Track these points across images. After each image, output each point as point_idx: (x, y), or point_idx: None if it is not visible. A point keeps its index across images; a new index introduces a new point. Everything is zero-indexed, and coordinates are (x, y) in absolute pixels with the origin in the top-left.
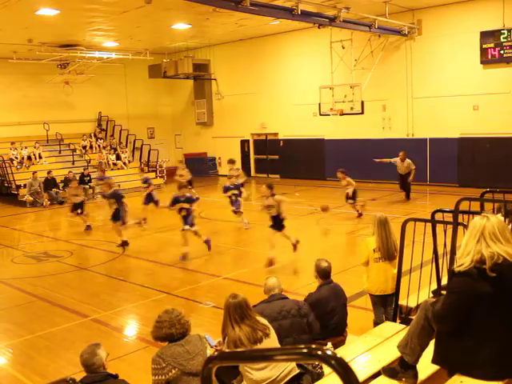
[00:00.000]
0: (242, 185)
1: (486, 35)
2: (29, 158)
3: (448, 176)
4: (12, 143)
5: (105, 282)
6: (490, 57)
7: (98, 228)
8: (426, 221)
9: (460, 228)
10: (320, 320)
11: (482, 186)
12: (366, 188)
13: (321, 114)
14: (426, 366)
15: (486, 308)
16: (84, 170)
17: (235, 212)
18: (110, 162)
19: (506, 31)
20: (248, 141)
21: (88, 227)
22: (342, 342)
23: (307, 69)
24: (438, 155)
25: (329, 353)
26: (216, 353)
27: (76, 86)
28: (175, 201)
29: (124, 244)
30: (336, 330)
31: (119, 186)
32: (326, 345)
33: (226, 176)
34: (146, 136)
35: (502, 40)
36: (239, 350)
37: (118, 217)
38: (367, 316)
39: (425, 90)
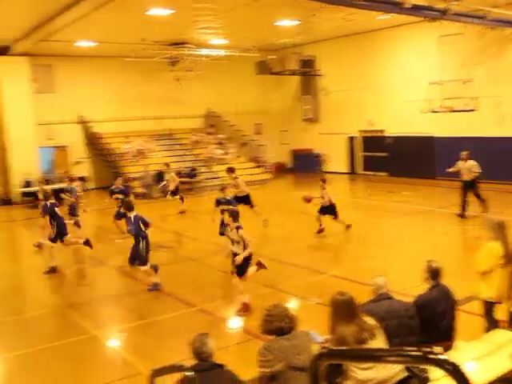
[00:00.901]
0: (245, 199)
1: None
2: (141, 151)
3: None
4: (126, 137)
5: (213, 274)
6: None
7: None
8: None
9: None
10: (430, 322)
11: None
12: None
13: (431, 111)
14: None
15: None
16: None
17: (220, 234)
18: (218, 157)
19: None
20: (353, 137)
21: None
22: (450, 347)
23: (415, 64)
24: None
25: (444, 357)
26: (324, 349)
27: (186, 82)
28: None
29: None
30: (445, 334)
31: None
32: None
33: (331, 173)
34: (253, 131)
35: None
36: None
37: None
38: (475, 322)
39: None
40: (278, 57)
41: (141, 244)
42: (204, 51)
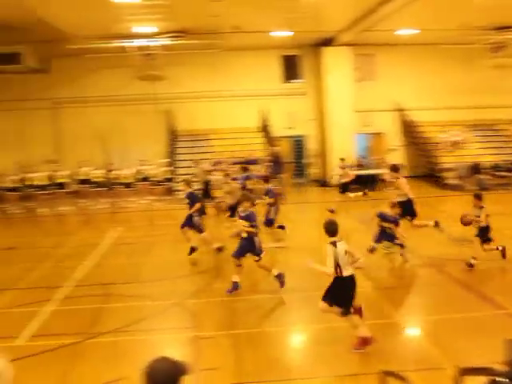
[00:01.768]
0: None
1: None
2: (456, 142)
3: None
4: (442, 126)
5: None
6: None
7: None
8: None
9: None
10: None
11: None
12: None
13: None
14: None
15: None
16: None
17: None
18: None
19: None
20: None
21: None
22: None
23: None
24: None
25: None
26: None
27: (509, 70)
28: None
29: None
30: None
31: None
32: None
33: None
34: None
35: None
36: None
37: None
38: None
39: None
40: None
41: None
42: None
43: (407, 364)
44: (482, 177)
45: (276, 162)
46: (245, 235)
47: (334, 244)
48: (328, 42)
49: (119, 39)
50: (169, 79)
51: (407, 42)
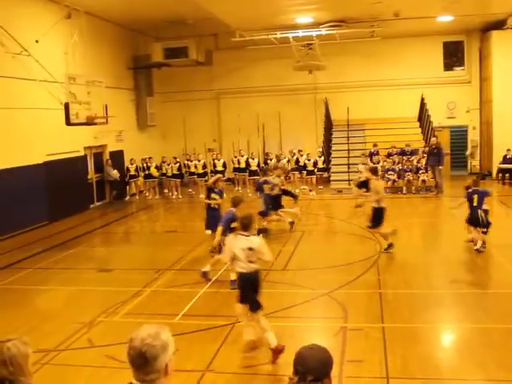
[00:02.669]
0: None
1: None
2: None
3: None
4: None
5: None
6: None
7: None
8: None
9: None
10: None
11: None
12: None
13: None
14: None
15: None
16: None
17: None
18: None
19: None
20: None
21: None
22: None
23: None
24: None
25: None
26: None
27: None
28: None
29: None
30: None
31: None
32: None
33: None
34: None
35: None
36: None
37: None
38: None
39: None
40: None
41: None
42: None
43: None
44: None
45: (434, 154)
46: None
47: None
48: (498, 26)
49: (279, 30)
50: (327, 69)
51: None
